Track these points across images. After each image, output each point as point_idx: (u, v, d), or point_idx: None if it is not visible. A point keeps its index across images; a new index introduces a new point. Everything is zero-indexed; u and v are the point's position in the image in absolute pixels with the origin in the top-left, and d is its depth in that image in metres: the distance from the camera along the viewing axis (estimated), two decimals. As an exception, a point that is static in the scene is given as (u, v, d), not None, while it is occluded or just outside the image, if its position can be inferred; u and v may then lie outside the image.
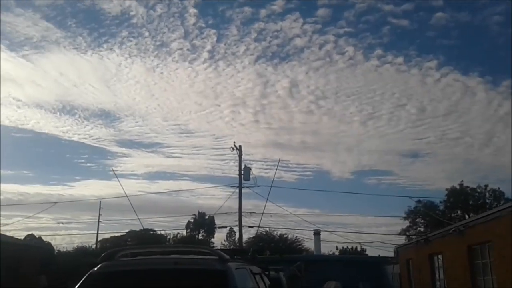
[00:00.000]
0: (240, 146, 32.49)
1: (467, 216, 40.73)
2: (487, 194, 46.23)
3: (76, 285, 4.62)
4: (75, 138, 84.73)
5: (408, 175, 78.99)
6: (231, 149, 32.24)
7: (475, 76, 72.76)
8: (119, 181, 20.91)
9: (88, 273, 4.71)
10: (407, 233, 46.00)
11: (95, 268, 4.77)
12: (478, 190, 46.40)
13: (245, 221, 31.63)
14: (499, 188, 45.93)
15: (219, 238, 60.15)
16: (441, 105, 69.70)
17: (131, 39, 75.97)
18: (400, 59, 69.73)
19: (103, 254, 5.13)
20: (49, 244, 44.88)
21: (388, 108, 70.90)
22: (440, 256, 21.24)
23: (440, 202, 47.01)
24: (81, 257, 34.86)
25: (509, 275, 13.83)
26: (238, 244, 35.02)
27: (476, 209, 42.29)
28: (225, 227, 41.85)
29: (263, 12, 72.13)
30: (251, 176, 31.84)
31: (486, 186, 46.30)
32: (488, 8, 67.59)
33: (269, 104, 79.61)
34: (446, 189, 47.13)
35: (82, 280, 4.63)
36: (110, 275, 4.71)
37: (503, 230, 14.32)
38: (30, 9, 75.77)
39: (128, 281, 4.64)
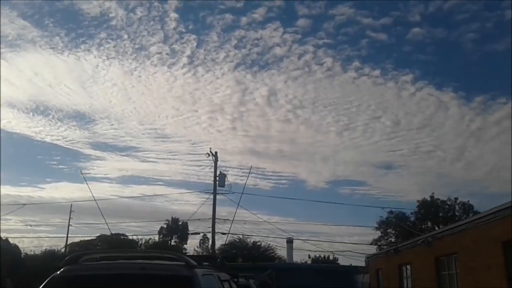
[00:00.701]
0: (216, 152, 32.39)
1: (437, 228, 41.49)
2: (456, 206, 47.19)
3: (38, 289, 4.55)
4: (48, 139, 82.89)
5: (381, 186, 79.99)
6: (207, 155, 32.10)
7: (449, 91, 74.55)
8: (87, 184, 20.61)
9: (50, 277, 4.63)
10: (379, 243, 46.50)
11: (58, 272, 4.70)
12: (448, 202, 47.35)
13: (219, 227, 31.45)
14: (468, 201, 47.04)
15: (192, 245, 59.70)
16: (415, 118, 71.14)
17: (110, 41, 75.28)
18: (377, 72, 71.02)
19: (66, 258, 5.05)
20: (16, 246, 43.62)
21: (364, 120, 71.83)
22: (408, 266, 21.59)
23: (411, 213, 47.80)
24: (49, 260, 34.11)
25: (474, 286, 14.16)
26: (211, 251, 34.81)
27: (446, 221, 43.09)
28: (198, 233, 41.48)
29: (244, 19, 72.42)
30: (226, 183, 31.74)
31: (456, 199, 47.32)
32: (463, 25, 69.49)
33: (247, 111, 79.80)
34: (418, 201, 48.00)
35: (43, 284, 4.56)
36: (73, 279, 4.64)
37: (469, 242, 14.68)
38: (7, 7, 73.90)
39: (91, 286, 4.57)
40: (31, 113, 78.49)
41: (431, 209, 46.92)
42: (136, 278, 4.56)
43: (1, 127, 72.61)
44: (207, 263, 6.45)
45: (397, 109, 72.86)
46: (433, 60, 71.96)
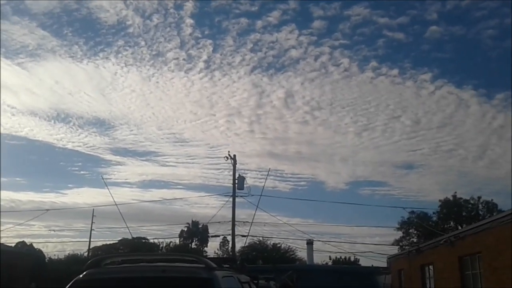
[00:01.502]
0: (234, 155, 32.51)
1: (460, 227, 40.83)
2: (480, 206, 46.39)
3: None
4: (69, 146, 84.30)
5: (402, 186, 79.17)
6: (226, 158, 32.23)
7: (469, 89, 73.54)
8: (108, 189, 20.88)
9: (73, 280, 4.72)
10: (400, 244, 46.01)
11: (80, 276, 4.79)
12: (472, 201, 46.57)
13: (239, 230, 31.56)
14: (492, 200, 46.23)
15: (212, 247, 59.92)
16: (435, 117, 70.24)
17: (127, 48, 76.31)
18: (395, 71, 70.49)
19: (89, 261, 5.15)
20: (40, 251, 44.57)
21: (383, 120, 71.19)
22: (431, 267, 21.30)
23: (434, 213, 47.18)
24: (72, 264, 34.64)
25: (499, 286, 13.91)
26: (231, 253, 34.92)
27: (469, 221, 42.37)
28: (218, 236, 41.68)
29: (259, 23, 72.71)
30: (245, 185, 31.83)
31: (479, 198, 46.51)
32: (481, 22, 68.46)
33: (264, 114, 79.77)
34: (440, 200, 47.35)
35: (67, 287, 4.65)
36: (95, 282, 4.73)
37: (493, 241, 14.43)
38: (27, 17, 75.90)
39: (113, 289, 4.65)
40: (52, 121, 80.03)
41: (453, 209, 46.22)
42: (157, 280, 4.62)
43: (24, 135, 74.09)
44: (227, 265, 6.48)
45: (416, 108, 72.00)
46: (451, 58, 71.18)
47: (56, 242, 74.47)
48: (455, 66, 73.33)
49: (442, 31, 68.52)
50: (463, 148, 68.54)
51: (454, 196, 46.71)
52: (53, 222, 79.38)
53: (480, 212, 45.71)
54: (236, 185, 31.66)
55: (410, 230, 48.04)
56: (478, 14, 67.71)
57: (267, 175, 25.70)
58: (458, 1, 65.98)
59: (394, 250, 40.35)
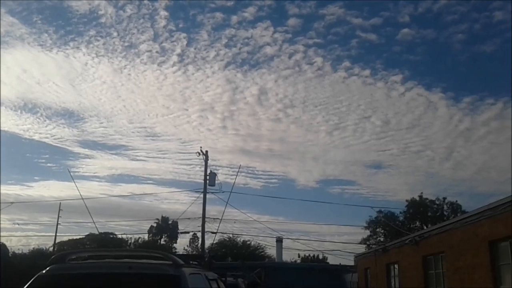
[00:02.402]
0: (206, 151, 32.39)
1: (425, 227, 41.81)
2: (445, 206, 47.63)
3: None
4: (36, 137, 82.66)
5: (371, 185, 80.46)
6: (198, 154, 32.09)
7: (438, 91, 75.31)
8: (74, 182, 20.32)
9: (36, 276, 4.62)
10: (367, 243, 46.82)
11: (43, 271, 4.69)
12: (437, 202, 47.78)
13: (209, 227, 31.47)
14: (456, 201, 47.57)
15: (182, 244, 59.68)
16: (404, 118, 71.80)
17: (99, 38, 75.16)
18: (367, 72, 71.48)
19: (52, 257, 5.04)
20: (4, 245, 43.28)
21: (354, 119, 72.30)
22: (396, 266, 21.76)
23: (400, 212, 48.18)
24: (37, 259, 33.82)
25: (461, 285, 14.32)
26: (200, 250, 34.80)
27: (434, 221, 43.43)
28: (188, 232, 41.52)
29: (234, 18, 72.63)
30: (216, 181, 31.75)
31: (444, 198, 47.78)
32: (452, 26, 70.15)
33: (237, 110, 79.80)
34: (406, 200, 48.39)
35: (29, 283, 4.54)
36: (59, 278, 4.63)
37: (456, 241, 14.84)
38: (-6, 3, 73.37)
39: (77, 285, 4.56)
40: (19, 111, 78.18)
41: (420, 209, 47.30)
42: (123, 277, 4.56)
43: (0, 128, 71.91)
44: (194, 262, 6.46)
45: (386, 109, 73.48)
46: (422, 60, 72.72)
47: (21, 236, 72.66)
48: (425, 68, 75.12)
49: (414, 34, 70.01)
50: (431, 149, 70.29)
51: (421, 197, 47.83)
52: (18, 215, 77.47)
53: (445, 213, 46.94)
54: (208, 181, 31.56)
55: (378, 229, 48.91)
56: (449, 18, 69.40)
57: (238, 171, 25.70)
58: (430, 5, 67.48)
59: (362, 248, 41.09)
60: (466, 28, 67.88)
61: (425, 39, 69.53)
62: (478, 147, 70.11)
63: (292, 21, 70.78)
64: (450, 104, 72.53)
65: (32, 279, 4.60)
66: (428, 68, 74.34)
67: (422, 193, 48.33)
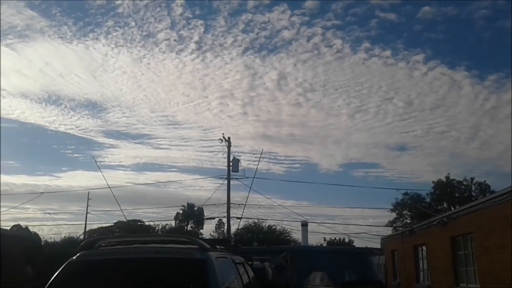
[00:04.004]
0: (229, 137, 32.50)
1: (453, 208, 41.20)
2: (473, 187, 46.80)
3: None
4: (61, 128, 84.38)
5: (395, 167, 79.89)
6: (220, 140, 32.23)
7: (462, 70, 73.72)
8: (101, 171, 20.75)
9: (66, 262, 4.74)
10: (394, 225, 46.47)
11: (74, 257, 4.80)
12: (465, 183, 46.96)
13: (234, 212, 31.72)
14: (484, 181, 46.61)
15: (208, 230, 60.36)
16: (428, 98, 70.36)
17: (117, 29, 75.57)
18: (387, 53, 70.17)
19: (82, 243, 5.16)
20: (36, 234, 44.64)
21: (376, 101, 71.29)
22: (424, 247, 21.56)
23: (427, 194, 47.58)
24: (68, 247, 34.77)
25: (490, 266, 14.12)
26: (226, 235, 35.16)
27: (462, 202, 42.69)
28: (214, 218, 41.94)
29: (250, 3, 71.88)
30: (239, 168, 31.90)
31: (472, 179, 46.91)
32: (474, 2, 68.04)
33: (257, 96, 79.61)
34: (433, 182, 47.70)
35: (60, 269, 4.66)
36: (89, 263, 4.74)
37: (485, 222, 14.58)
38: (16, -3, 74.49)
39: (106, 270, 4.66)
40: (43, 103, 79.96)
41: (447, 190, 46.60)
42: (150, 261, 4.64)
43: (15, 118, 73.60)
44: (221, 247, 6.52)
45: (409, 89, 72.10)
46: (444, 38, 70.93)
47: (52, 225, 74.66)
48: (448, 47, 73.15)
49: (435, 12, 68.19)
50: (456, 129, 68.90)
51: (447, 178, 47.08)
52: (48, 205, 79.73)
53: (473, 193, 46.14)
54: (231, 167, 31.73)
55: (404, 212, 48.48)
56: (471, -7, 67.35)
57: (260, 157, 25.74)
58: (452, -19, 65.56)
59: (388, 231, 40.81)
60: (489, 3, 65.77)
61: (446, 16, 67.67)
62: (504, 125, 68.16)
63: (309, 4, 69.94)
64: (474, 82, 70.86)
65: (63, 265, 4.71)
66: (451, 46, 72.59)
67: (449, 174, 47.62)
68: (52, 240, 48.59)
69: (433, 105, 71.16)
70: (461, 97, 67.21)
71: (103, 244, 5.29)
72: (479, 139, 69.76)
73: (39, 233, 47.69)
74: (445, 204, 47.09)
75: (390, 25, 71.44)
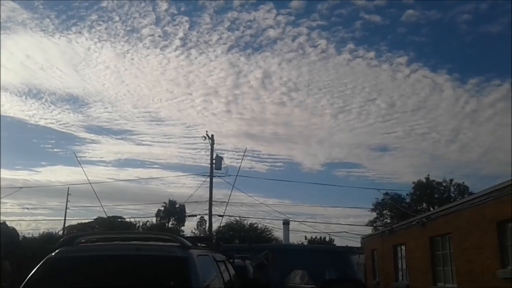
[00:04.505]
0: (212, 135, 32.38)
1: (432, 209, 41.79)
2: (452, 188, 47.53)
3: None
4: (42, 122, 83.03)
5: (376, 168, 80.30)
6: (203, 138, 32.05)
7: (444, 73, 74.27)
8: (81, 167, 20.49)
9: (45, 258, 4.66)
10: (374, 225, 46.93)
11: (53, 253, 4.73)
12: (444, 184, 47.66)
13: (216, 210, 31.60)
14: (463, 182, 47.39)
15: (189, 227, 60.24)
16: (410, 100, 71.23)
17: (101, 23, 74.35)
18: (371, 54, 70.72)
19: (61, 239, 5.08)
20: (13, 229, 43.85)
21: (359, 102, 71.84)
22: (403, 247, 21.84)
23: (407, 195, 48.15)
24: (47, 243, 34.29)
25: (467, 266, 14.37)
26: (208, 233, 35.07)
27: (441, 203, 43.33)
28: (195, 215, 41.79)
29: (236, 1, 71.70)
30: (222, 165, 31.81)
31: (451, 180, 47.63)
32: (457, 6, 68.94)
33: (241, 94, 79.44)
34: (413, 182, 48.30)
35: (39, 265, 4.59)
36: (68, 260, 4.67)
37: (463, 222, 14.84)
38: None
39: (86, 267, 4.60)
40: (24, 97, 78.52)
41: (426, 191, 47.24)
42: (131, 259, 4.59)
43: (0, 113, 72.24)
44: (202, 244, 6.50)
45: (391, 91, 72.76)
46: (427, 41, 71.75)
47: (30, 221, 73.78)
48: (431, 50, 74.08)
49: (418, 15, 68.89)
50: (436, 131, 69.69)
51: (427, 179, 47.70)
52: (26, 200, 77.98)
53: (452, 195, 46.85)
54: (214, 165, 31.63)
55: (384, 211, 48.99)
56: (454, -2, 68.25)
57: (244, 155, 25.78)
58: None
59: (368, 230, 41.21)
60: (471, 8, 66.76)
61: (430, 20, 68.46)
62: (484, 128, 69.56)
63: (295, 3, 70.07)
64: (456, 85, 71.58)
65: (42, 262, 4.64)
66: (434, 49, 73.46)
67: (429, 175, 48.25)
68: (31, 236, 47.85)
69: (415, 107, 72.20)
70: (442, 99, 68.20)
71: (82, 241, 5.21)
72: (459, 141, 70.92)
73: (17, 228, 46.90)
74: (424, 205, 47.73)
75: (374, 27, 72.11)
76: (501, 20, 63.97)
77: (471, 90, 71.54)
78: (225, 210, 25.49)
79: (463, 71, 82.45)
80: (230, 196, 28.19)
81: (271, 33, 71.10)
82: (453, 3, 66.25)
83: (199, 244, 6.13)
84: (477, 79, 78.93)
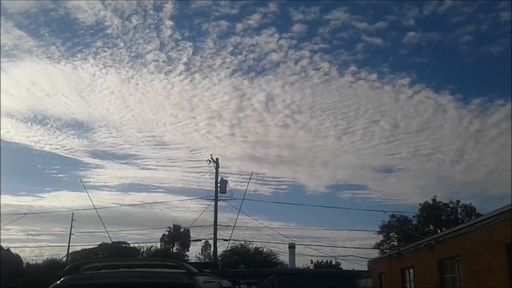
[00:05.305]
0: (217, 158, 32.40)
1: (439, 231, 41.31)
2: (459, 209, 47.08)
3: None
4: (47, 148, 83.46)
5: (382, 189, 79.82)
6: (208, 161, 32.09)
7: (446, 94, 74.65)
8: (87, 192, 20.53)
9: (50, 286, 4.61)
10: (381, 247, 46.38)
11: (58, 282, 4.68)
12: (451, 205, 47.23)
13: (221, 234, 31.41)
14: (470, 203, 46.97)
15: (194, 251, 59.57)
16: (413, 121, 71.29)
17: (106, 49, 75.51)
18: (373, 76, 71.28)
19: (66, 267, 5.03)
20: (17, 256, 43.63)
21: (362, 124, 71.92)
22: (411, 270, 21.50)
23: (414, 216, 47.68)
24: (50, 269, 33.99)
25: (477, 289, 14.09)
26: (213, 258, 34.72)
27: (448, 224, 42.93)
28: (200, 240, 41.39)
29: (239, 26, 72.81)
30: (227, 189, 31.72)
31: (458, 201, 47.22)
32: (458, 28, 69.68)
33: (245, 117, 79.88)
34: (419, 204, 47.88)
35: (44, 294, 4.54)
36: None
37: (472, 245, 14.62)
38: (3, 17, 74.38)
39: (91, 295, 4.55)
40: (29, 123, 79.01)
41: (433, 212, 46.79)
42: (137, 286, 4.54)
43: (0, 137, 72.73)
44: (208, 270, 6.42)
45: (395, 112, 72.92)
46: (429, 63, 72.40)
47: (34, 247, 73.04)
48: (433, 71, 74.61)
49: (420, 37, 69.81)
50: (441, 152, 69.52)
51: (434, 200, 47.30)
52: (31, 226, 78.08)
53: (459, 216, 46.38)
54: (219, 188, 31.54)
55: (391, 234, 48.45)
56: (455, 20, 69.02)
57: (250, 178, 25.70)
58: (436, 7, 67.20)
59: (375, 253, 40.73)
60: (472, 29, 67.53)
61: (431, 41, 69.22)
62: (489, 148, 69.36)
63: (297, 27, 70.92)
64: (459, 106, 71.99)
65: (47, 290, 4.59)
66: (436, 70, 74.00)
67: (435, 196, 47.86)
68: (34, 262, 47.48)
69: (419, 128, 72.17)
70: (446, 120, 68.24)
71: (88, 268, 5.16)
72: (464, 162, 70.65)
73: (21, 254, 46.64)
74: (431, 227, 47.24)
75: (376, 49, 72.83)
76: (501, 41, 64.61)
77: (474, 110, 71.66)
78: (232, 234, 25.28)
79: (466, 91, 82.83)
80: (236, 220, 28.00)
81: (274, 56, 71.98)
82: (454, 25, 67.07)
83: (205, 270, 6.05)
84: (480, 99, 79.12)
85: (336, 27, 71.11)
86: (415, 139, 74.06)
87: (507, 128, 61.78)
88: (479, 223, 14.33)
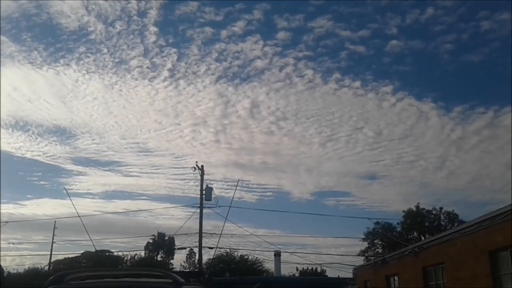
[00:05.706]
0: (202, 166, 32.27)
1: (423, 238, 41.70)
2: (442, 216, 47.63)
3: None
4: (28, 155, 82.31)
5: (366, 196, 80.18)
6: (193, 168, 31.94)
7: (429, 101, 75.78)
8: (71, 200, 20.26)
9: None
10: (366, 254, 46.58)
11: (42, 293, 4.60)
12: (434, 212, 47.78)
13: (206, 242, 31.18)
14: (453, 210, 47.58)
15: (178, 260, 59.07)
16: (396, 128, 72.22)
17: (89, 55, 75.03)
18: (357, 83, 71.90)
19: (51, 278, 4.95)
20: (-2, 265, 42.69)
21: (346, 131, 72.52)
22: (396, 277, 21.62)
23: (398, 223, 48.08)
24: (32, 279, 33.41)
25: (461, 296, 14.22)
26: (198, 266, 34.46)
27: (431, 231, 43.40)
28: (185, 248, 41.06)
29: (224, 33, 72.92)
30: (212, 196, 31.58)
31: (441, 208, 47.80)
32: (440, 36, 70.83)
33: (230, 124, 79.92)
34: (403, 211, 48.31)
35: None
36: None
37: (455, 252, 14.78)
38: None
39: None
40: (10, 129, 77.64)
41: (417, 219, 47.25)
42: None
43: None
44: (194, 279, 6.37)
45: (378, 119, 73.65)
46: (411, 71, 73.51)
47: (15, 256, 71.55)
48: (415, 79, 75.73)
49: (402, 45, 70.81)
50: (424, 159, 70.33)
51: (417, 207, 47.79)
52: (12, 234, 76.01)
53: (442, 223, 46.91)
54: (204, 196, 31.38)
55: (375, 241, 48.73)
56: (436, 28, 70.37)
57: (236, 186, 25.57)
58: (418, 16, 68.30)
59: (360, 260, 40.85)
60: (453, 38, 68.87)
61: (413, 50, 70.40)
62: (470, 156, 70.45)
63: (281, 35, 71.46)
64: (441, 113, 72.87)
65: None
66: (418, 78, 75.17)
67: (419, 203, 48.37)
68: (15, 271, 46.57)
69: (402, 135, 73.20)
70: (428, 127, 69.14)
71: (72, 278, 5.08)
72: (446, 168, 71.48)
73: (2, 263, 45.64)
74: (415, 233, 47.66)
75: (359, 57, 73.75)
76: (482, 50, 65.93)
77: (456, 118, 72.71)
78: (218, 242, 25.11)
79: (448, 99, 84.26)
80: (223, 228, 27.84)
81: (259, 63, 72.30)
82: (435, 34, 68.19)
83: (191, 280, 6.01)
84: (462, 107, 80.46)
85: (320, 35, 71.91)
86: (398, 146, 75.08)
87: (488, 135, 62.96)
88: (463, 230, 14.50)
